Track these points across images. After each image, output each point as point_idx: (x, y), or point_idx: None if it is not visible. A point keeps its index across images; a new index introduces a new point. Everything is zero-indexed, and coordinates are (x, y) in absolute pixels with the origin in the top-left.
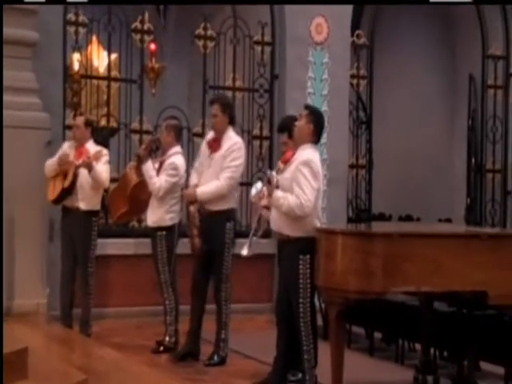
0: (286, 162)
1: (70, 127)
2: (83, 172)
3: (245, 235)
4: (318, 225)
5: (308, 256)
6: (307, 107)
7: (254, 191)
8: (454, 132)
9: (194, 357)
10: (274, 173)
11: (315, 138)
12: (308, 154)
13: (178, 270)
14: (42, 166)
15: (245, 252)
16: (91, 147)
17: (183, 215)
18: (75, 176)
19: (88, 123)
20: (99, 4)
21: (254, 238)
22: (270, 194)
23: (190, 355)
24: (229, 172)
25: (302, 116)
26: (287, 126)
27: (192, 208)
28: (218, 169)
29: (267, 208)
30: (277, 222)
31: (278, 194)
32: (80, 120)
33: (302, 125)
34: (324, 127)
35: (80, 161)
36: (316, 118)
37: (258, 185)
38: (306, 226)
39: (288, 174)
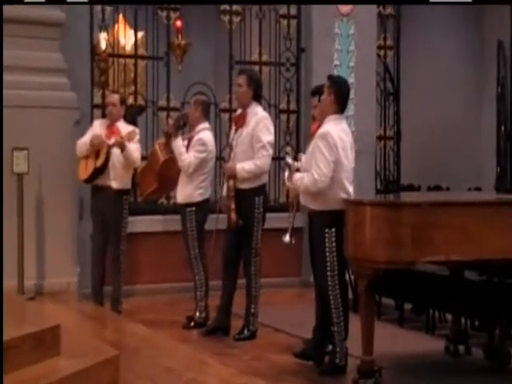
0: (312, 136)
1: (97, 106)
2: (115, 151)
3: (274, 210)
4: (344, 196)
5: (333, 229)
6: (329, 78)
7: (286, 174)
8: (483, 100)
9: (224, 332)
10: (289, 159)
11: (338, 108)
12: (327, 126)
13: (208, 246)
14: (71, 145)
15: (287, 239)
16: (122, 126)
17: (212, 191)
18: (108, 155)
19: (122, 101)
20: (99, 4)
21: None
22: (290, 180)
23: (219, 330)
24: (264, 150)
25: (325, 88)
26: (319, 89)
27: (231, 182)
28: (246, 147)
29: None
30: (303, 197)
31: (296, 176)
32: (116, 98)
33: (325, 97)
34: (347, 95)
35: (112, 140)
36: (336, 87)
37: (289, 161)
38: (329, 200)
39: (310, 149)
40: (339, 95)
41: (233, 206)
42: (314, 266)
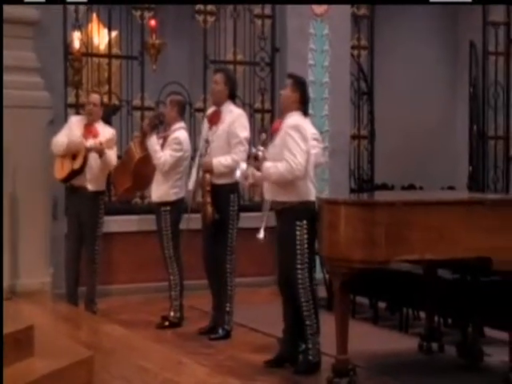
0: (275, 132)
1: (71, 105)
2: (93, 154)
3: (249, 209)
4: (313, 189)
5: (304, 221)
6: (291, 76)
7: (238, 173)
8: (456, 100)
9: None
10: (260, 147)
11: (302, 107)
12: (296, 119)
13: (182, 245)
14: (45, 145)
15: (261, 235)
16: (100, 127)
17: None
18: (85, 158)
19: (101, 102)
20: (99, 4)
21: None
22: (258, 169)
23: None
24: (241, 145)
25: (287, 85)
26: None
27: (208, 176)
28: (222, 143)
29: (254, 186)
30: (270, 191)
31: (267, 164)
32: (97, 98)
33: (289, 93)
34: (309, 96)
35: (90, 141)
36: (302, 87)
37: (242, 165)
38: (301, 191)
39: (278, 141)
40: (304, 95)
41: (209, 199)
42: (281, 262)
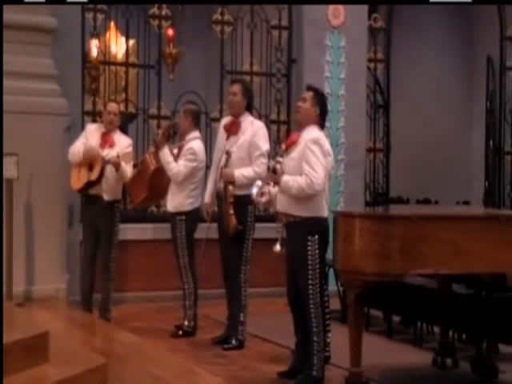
0: (291, 144)
1: (88, 113)
2: (109, 165)
3: (264, 219)
4: (325, 206)
5: (316, 237)
6: (311, 88)
7: (254, 190)
8: (472, 115)
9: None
10: (278, 159)
11: (321, 122)
12: (316, 133)
13: (197, 254)
14: (62, 152)
15: (278, 248)
16: (117, 136)
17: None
18: (102, 170)
19: (119, 111)
20: (99, 4)
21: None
22: (277, 183)
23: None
24: (263, 158)
25: (307, 98)
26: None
27: (231, 188)
28: (243, 154)
29: (270, 203)
30: (284, 204)
31: (286, 177)
32: (116, 107)
33: (308, 107)
34: (328, 110)
35: (107, 152)
36: (322, 102)
37: (258, 183)
38: (315, 206)
39: (295, 154)
40: (324, 110)
41: (231, 211)
42: (290, 276)
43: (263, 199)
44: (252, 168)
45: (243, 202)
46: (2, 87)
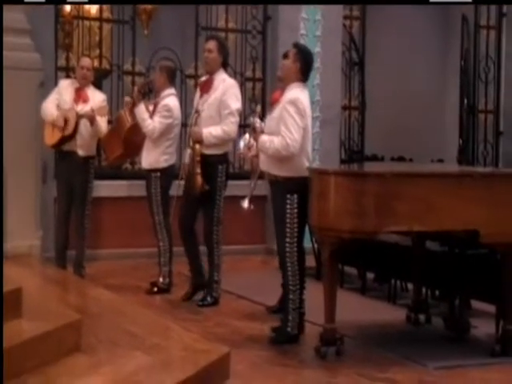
0: (275, 102)
1: (61, 68)
2: (83, 120)
3: (240, 177)
4: (307, 165)
5: (295, 195)
6: (296, 45)
7: (242, 144)
8: (447, 73)
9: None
10: (257, 119)
11: (303, 77)
12: (295, 92)
13: (172, 212)
14: (35, 108)
15: (245, 204)
16: (91, 91)
17: (178, 157)
18: (76, 125)
19: (92, 66)
20: (99, 4)
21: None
22: (256, 140)
23: (198, 290)
24: (232, 117)
25: (290, 55)
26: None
27: (198, 146)
28: (213, 112)
29: (257, 157)
30: (265, 163)
31: (264, 138)
32: (89, 62)
33: (289, 63)
34: (312, 66)
35: (82, 109)
36: (303, 56)
37: (246, 136)
38: (294, 166)
39: (276, 114)
40: (305, 64)
41: (198, 170)
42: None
43: (250, 153)
44: (220, 127)
45: (212, 162)
46: (1, 77)
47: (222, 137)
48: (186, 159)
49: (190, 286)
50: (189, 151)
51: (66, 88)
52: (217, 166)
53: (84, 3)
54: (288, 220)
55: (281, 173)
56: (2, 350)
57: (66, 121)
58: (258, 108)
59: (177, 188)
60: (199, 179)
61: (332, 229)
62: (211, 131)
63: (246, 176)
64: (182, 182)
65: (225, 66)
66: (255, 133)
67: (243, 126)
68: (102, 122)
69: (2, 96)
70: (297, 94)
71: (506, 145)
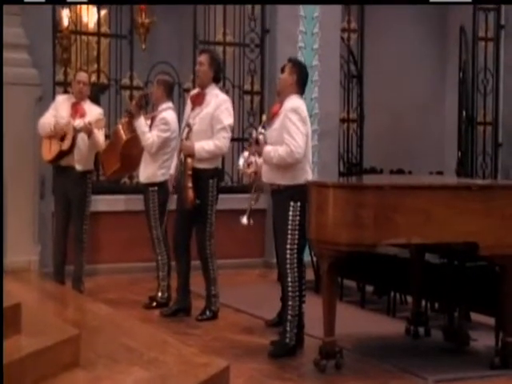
0: (274, 115)
1: (59, 83)
2: (81, 134)
3: (236, 191)
4: (310, 172)
5: (299, 203)
6: (290, 60)
7: (241, 161)
8: (445, 85)
9: (186, 312)
10: (261, 130)
11: (299, 89)
12: (294, 102)
13: (170, 226)
14: (33, 123)
15: (244, 220)
16: (87, 106)
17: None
18: (74, 139)
19: (89, 80)
20: (99, 4)
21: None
22: (259, 154)
23: (181, 311)
24: (225, 132)
25: (286, 69)
26: None
27: (190, 160)
28: (205, 127)
29: (256, 173)
30: (268, 174)
31: (267, 148)
32: (86, 76)
33: (286, 76)
34: (307, 78)
35: (78, 121)
36: (298, 69)
37: (245, 154)
38: (298, 174)
39: (277, 125)
40: (301, 76)
41: (190, 184)
42: (276, 245)
43: (249, 170)
44: (213, 141)
45: (204, 176)
46: (1, 78)
47: (214, 151)
48: (172, 170)
49: (174, 304)
50: (174, 163)
51: (62, 103)
52: (208, 181)
53: (84, 3)
54: (290, 227)
55: (284, 181)
56: (1, 367)
57: (63, 136)
58: (264, 118)
59: (174, 202)
60: (190, 193)
61: (330, 242)
62: (203, 146)
63: (244, 190)
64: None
65: (217, 80)
66: (258, 145)
67: (239, 140)
68: (100, 135)
69: (1, 107)
70: (297, 102)
71: (505, 156)
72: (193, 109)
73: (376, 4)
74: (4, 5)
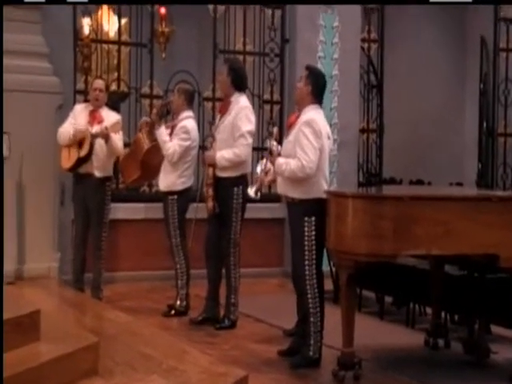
0: (291, 126)
1: (80, 92)
2: (99, 140)
3: (252, 200)
4: (325, 186)
5: (313, 218)
6: (307, 68)
7: (259, 169)
8: (466, 96)
9: (213, 322)
10: (273, 142)
11: (315, 99)
12: (310, 114)
13: (188, 235)
14: (54, 131)
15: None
16: (105, 112)
17: (195, 180)
18: (91, 145)
19: (106, 87)
20: (99, 4)
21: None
22: (273, 163)
23: (208, 320)
24: (243, 139)
25: (302, 77)
26: None
27: (210, 170)
28: (227, 135)
29: (274, 182)
30: (282, 186)
31: (280, 160)
32: (102, 84)
33: (301, 86)
34: (324, 88)
35: (96, 128)
36: (314, 78)
37: (263, 161)
38: (311, 187)
39: (291, 137)
40: (316, 87)
41: (210, 193)
42: (292, 256)
43: (267, 178)
44: (232, 150)
45: (227, 184)
46: (1, 80)
47: (233, 159)
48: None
49: (202, 312)
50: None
51: (80, 112)
52: (232, 189)
53: (84, 3)
54: (306, 243)
55: (298, 195)
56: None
57: (81, 142)
58: (275, 130)
59: (194, 210)
60: (210, 202)
61: (350, 252)
62: (224, 154)
63: (264, 200)
64: (200, 205)
65: (240, 88)
66: (272, 156)
67: (259, 149)
68: (118, 140)
69: (1, 103)
70: (312, 115)
71: None
72: (220, 118)
73: (376, 4)
74: (4, 5)
